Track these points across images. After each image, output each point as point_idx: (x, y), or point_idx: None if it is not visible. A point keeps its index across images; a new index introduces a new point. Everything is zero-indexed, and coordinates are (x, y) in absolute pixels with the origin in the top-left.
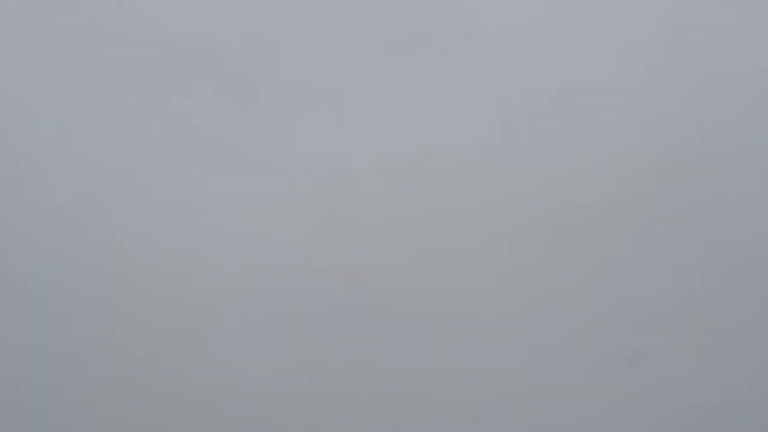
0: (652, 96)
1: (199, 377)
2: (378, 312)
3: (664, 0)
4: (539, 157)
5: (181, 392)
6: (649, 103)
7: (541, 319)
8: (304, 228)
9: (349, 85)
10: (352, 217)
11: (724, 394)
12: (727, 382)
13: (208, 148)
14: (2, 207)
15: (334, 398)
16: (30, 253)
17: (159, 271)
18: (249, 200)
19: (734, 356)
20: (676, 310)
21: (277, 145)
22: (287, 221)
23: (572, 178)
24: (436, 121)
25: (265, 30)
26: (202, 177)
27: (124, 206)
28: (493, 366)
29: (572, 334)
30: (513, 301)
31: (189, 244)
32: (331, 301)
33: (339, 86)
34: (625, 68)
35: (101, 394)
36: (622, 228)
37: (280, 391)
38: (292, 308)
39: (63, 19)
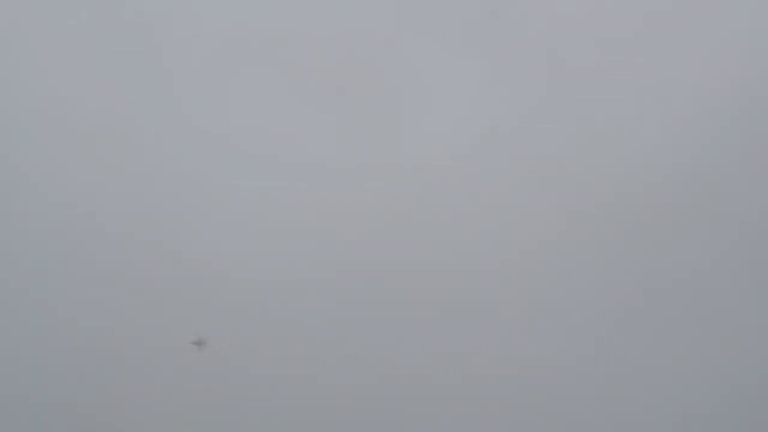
0: (663, 100)
1: (199, 375)
2: (386, 311)
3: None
4: (539, 159)
5: (181, 390)
6: (660, 108)
7: (541, 319)
8: (305, 228)
9: (354, 86)
10: (354, 217)
11: (724, 394)
12: (727, 383)
13: (213, 148)
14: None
15: (337, 396)
16: (37, 251)
17: (163, 269)
18: (256, 200)
19: (734, 356)
20: (679, 309)
21: (281, 145)
22: (290, 220)
23: (573, 180)
24: (433, 123)
25: (268, 31)
26: (207, 176)
27: (122, 204)
28: (493, 364)
29: (573, 334)
30: (514, 301)
31: (195, 242)
32: (336, 300)
33: (342, 87)
34: (645, 70)
35: (101, 391)
36: (623, 228)
37: (285, 389)
38: (296, 307)
39: (69, 17)
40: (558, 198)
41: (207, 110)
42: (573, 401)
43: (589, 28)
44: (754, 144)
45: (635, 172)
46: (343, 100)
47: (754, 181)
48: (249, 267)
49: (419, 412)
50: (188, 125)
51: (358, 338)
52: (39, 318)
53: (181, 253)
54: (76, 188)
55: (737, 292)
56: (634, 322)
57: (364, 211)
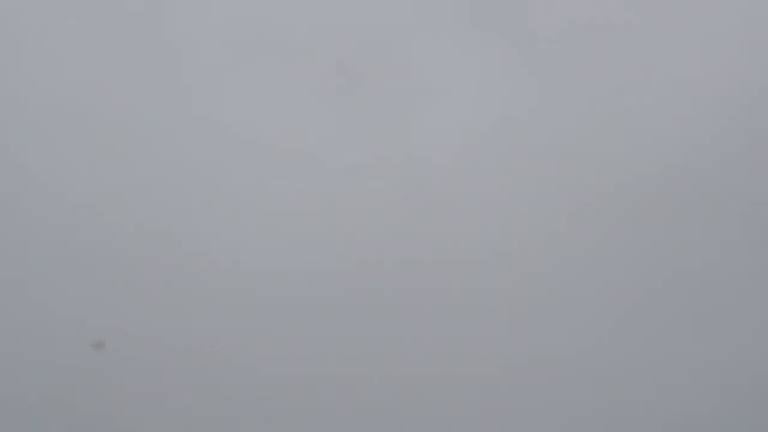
0: (664, 99)
1: (201, 375)
2: (390, 308)
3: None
4: (543, 157)
5: (182, 390)
6: (662, 107)
7: (541, 317)
8: (311, 225)
9: (363, 80)
10: (353, 216)
11: (725, 395)
12: (727, 383)
13: (223, 143)
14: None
15: (337, 395)
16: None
17: (165, 266)
18: (263, 195)
19: (734, 356)
20: (679, 308)
21: (290, 140)
22: (295, 216)
23: (579, 177)
24: (439, 119)
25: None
26: (215, 172)
27: (124, 201)
28: (494, 364)
29: (572, 334)
30: (515, 301)
31: (201, 238)
32: (340, 297)
33: (352, 82)
34: (647, 68)
35: (101, 391)
36: (620, 228)
37: (285, 389)
38: (299, 305)
39: (76, 10)
40: (563, 195)
41: (215, 106)
42: (573, 400)
43: (592, 26)
44: (755, 142)
45: (641, 170)
46: (352, 95)
47: (755, 179)
48: (254, 262)
49: (419, 408)
50: (197, 121)
51: (361, 336)
52: (39, 318)
53: (185, 248)
54: (81, 183)
55: (738, 292)
56: (635, 321)
57: (372, 206)
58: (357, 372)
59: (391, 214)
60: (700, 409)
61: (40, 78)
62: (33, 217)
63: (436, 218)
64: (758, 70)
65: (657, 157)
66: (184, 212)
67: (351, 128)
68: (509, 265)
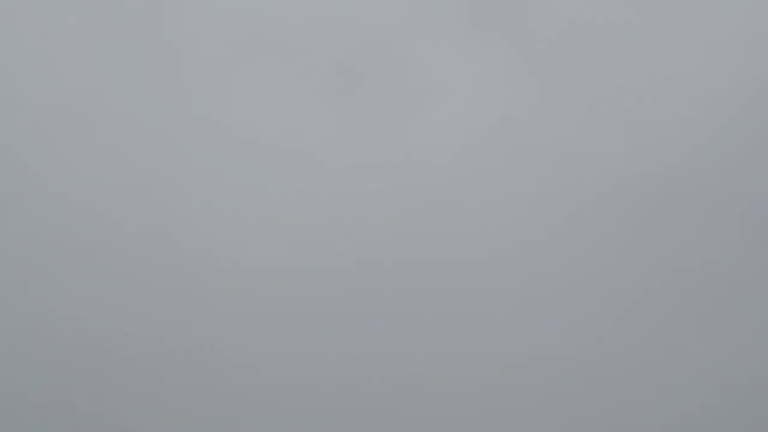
0: (665, 98)
1: (201, 375)
2: (391, 309)
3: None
4: (538, 158)
5: (182, 390)
6: (662, 106)
7: (540, 317)
8: (312, 226)
9: (363, 80)
10: (353, 216)
11: (725, 395)
12: (727, 383)
13: (224, 143)
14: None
15: (337, 396)
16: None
17: (165, 266)
18: (264, 195)
19: (734, 356)
20: (679, 308)
21: (291, 140)
22: (296, 217)
23: (573, 178)
24: (440, 119)
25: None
26: (216, 173)
27: (125, 200)
28: (494, 364)
29: (572, 334)
30: (515, 301)
31: (201, 239)
32: (340, 298)
33: (352, 82)
34: (648, 67)
35: (101, 391)
36: (620, 228)
37: (285, 389)
38: (300, 306)
39: (76, 10)
40: (563, 195)
41: (215, 106)
42: (573, 400)
43: (592, 26)
44: (755, 142)
45: (641, 170)
46: (352, 95)
47: (755, 179)
48: (254, 262)
49: (419, 408)
50: (197, 121)
51: (361, 336)
52: (39, 318)
53: (185, 248)
54: (81, 183)
55: (738, 292)
56: (635, 321)
57: (372, 206)
58: (357, 372)
59: (391, 214)
60: (700, 409)
61: (40, 78)
62: (33, 217)
63: (436, 218)
64: (758, 70)
65: (657, 157)
66: (184, 212)
67: (351, 128)
68: (509, 265)
